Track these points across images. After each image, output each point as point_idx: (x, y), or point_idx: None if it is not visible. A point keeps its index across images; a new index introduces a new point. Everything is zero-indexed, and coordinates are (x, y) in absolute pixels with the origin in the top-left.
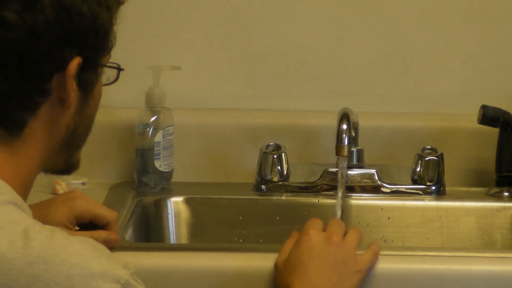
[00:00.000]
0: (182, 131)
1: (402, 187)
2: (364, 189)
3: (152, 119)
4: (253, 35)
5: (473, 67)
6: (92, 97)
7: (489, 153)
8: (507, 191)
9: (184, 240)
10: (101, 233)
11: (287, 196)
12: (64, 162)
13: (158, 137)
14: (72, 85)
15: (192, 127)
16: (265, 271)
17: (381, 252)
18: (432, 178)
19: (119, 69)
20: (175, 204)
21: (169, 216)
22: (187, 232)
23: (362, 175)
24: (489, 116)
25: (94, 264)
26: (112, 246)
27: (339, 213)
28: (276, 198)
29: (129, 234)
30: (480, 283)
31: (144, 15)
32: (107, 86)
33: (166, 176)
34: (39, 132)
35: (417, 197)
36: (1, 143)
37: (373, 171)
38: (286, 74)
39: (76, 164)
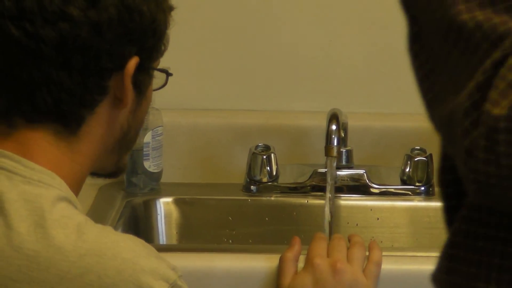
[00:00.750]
0: (171, 132)
1: (391, 188)
2: (353, 190)
3: None
4: (243, 35)
5: None
6: (145, 99)
7: None
8: None
9: (173, 241)
10: None
11: (276, 196)
12: (113, 164)
13: (147, 138)
14: (129, 85)
15: (181, 128)
16: (255, 272)
17: None
18: (421, 179)
19: (168, 73)
20: (165, 205)
21: (159, 217)
22: (177, 232)
23: (351, 175)
24: None
25: (145, 261)
26: None
27: (328, 217)
28: (265, 198)
29: None
30: None
31: None
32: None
33: (155, 177)
34: (95, 130)
35: (406, 197)
36: (60, 138)
37: (362, 171)
38: (275, 75)
39: (124, 167)
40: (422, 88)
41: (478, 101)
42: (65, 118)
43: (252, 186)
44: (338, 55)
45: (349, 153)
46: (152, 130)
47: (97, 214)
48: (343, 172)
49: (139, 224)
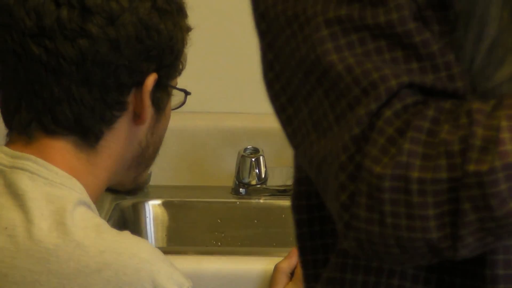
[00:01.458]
0: None
1: None
2: None
3: None
4: (231, 39)
5: None
6: (163, 116)
7: None
8: None
9: (162, 243)
10: None
11: (265, 199)
12: (132, 181)
13: None
14: (148, 101)
15: (170, 130)
16: (244, 274)
17: None
18: None
19: (186, 92)
20: (153, 208)
21: (147, 219)
22: (165, 235)
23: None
24: None
25: (162, 264)
26: None
27: None
28: (254, 201)
29: None
30: None
31: None
32: None
33: None
34: (113, 145)
35: None
36: (79, 150)
37: None
38: (252, 78)
39: (142, 185)
40: (279, 119)
41: (354, 154)
42: (84, 132)
43: (241, 189)
44: None
45: None
46: None
47: None
48: None
49: (127, 227)
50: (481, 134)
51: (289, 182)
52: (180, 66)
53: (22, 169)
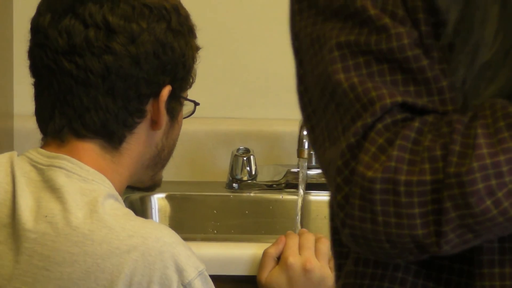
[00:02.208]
0: None
1: None
2: (322, 187)
3: None
4: (224, 53)
5: None
6: (176, 123)
7: None
8: None
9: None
10: None
11: (255, 193)
12: (149, 178)
13: None
14: (163, 109)
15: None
16: (237, 258)
17: None
18: None
19: (195, 103)
20: (158, 200)
21: (153, 210)
22: (169, 224)
23: (320, 174)
24: None
25: (182, 248)
26: None
27: (299, 210)
28: (245, 194)
29: None
30: None
31: None
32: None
33: None
34: (134, 147)
35: None
36: (105, 151)
37: None
38: (253, 87)
39: (159, 182)
40: (306, 127)
41: (349, 160)
42: (109, 136)
43: (234, 184)
44: None
45: None
46: None
47: None
48: (313, 172)
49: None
50: (460, 141)
51: (276, 178)
52: (191, 80)
53: (59, 167)
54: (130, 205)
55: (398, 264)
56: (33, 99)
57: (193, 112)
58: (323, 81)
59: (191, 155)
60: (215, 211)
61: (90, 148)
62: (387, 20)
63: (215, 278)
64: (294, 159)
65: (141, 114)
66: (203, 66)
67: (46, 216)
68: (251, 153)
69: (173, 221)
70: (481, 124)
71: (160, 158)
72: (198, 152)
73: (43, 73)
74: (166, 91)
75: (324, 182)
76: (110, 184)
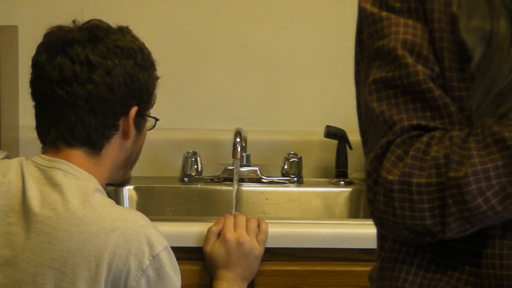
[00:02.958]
0: None
1: (275, 179)
2: (251, 180)
3: None
4: (179, 79)
5: (322, 101)
6: (142, 134)
7: (331, 156)
8: (342, 181)
9: None
10: None
11: (201, 185)
12: (121, 176)
13: None
14: (132, 124)
15: None
16: (187, 234)
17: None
18: (295, 173)
19: (156, 119)
20: (128, 191)
21: (125, 199)
22: (136, 209)
23: (249, 171)
24: (331, 133)
25: (152, 229)
26: None
27: (234, 198)
28: (193, 186)
29: None
30: (326, 239)
31: None
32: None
33: None
34: (110, 153)
35: (285, 185)
36: (89, 156)
37: (256, 168)
38: (200, 105)
39: (128, 179)
40: (361, 139)
41: (376, 166)
42: (92, 145)
43: (185, 178)
44: (242, 91)
45: (248, 156)
46: None
47: None
48: (244, 169)
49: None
50: (458, 152)
51: (217, 173)
52: (152, 102)
53: (58, 168)
54: (107, 194)
55: (426, 244)
56: (34, 117)
57: (154, 125)
58: (364, 107)
59: (153, 157)
60: (171, 199)
61: (78, 154)
62: (409, 60)
63: (174, 249)
64: (230, 160)
65: (115, 127)
66: (163, 90)
67: (49, 204)
68: (197, 155)
69: (139, 207)
70: (474, 140)
71: (130, 160)
72: (158, 154)
73: (41, 98)
74: (133, 110)
75: (253, 177)
76: (96, 181)
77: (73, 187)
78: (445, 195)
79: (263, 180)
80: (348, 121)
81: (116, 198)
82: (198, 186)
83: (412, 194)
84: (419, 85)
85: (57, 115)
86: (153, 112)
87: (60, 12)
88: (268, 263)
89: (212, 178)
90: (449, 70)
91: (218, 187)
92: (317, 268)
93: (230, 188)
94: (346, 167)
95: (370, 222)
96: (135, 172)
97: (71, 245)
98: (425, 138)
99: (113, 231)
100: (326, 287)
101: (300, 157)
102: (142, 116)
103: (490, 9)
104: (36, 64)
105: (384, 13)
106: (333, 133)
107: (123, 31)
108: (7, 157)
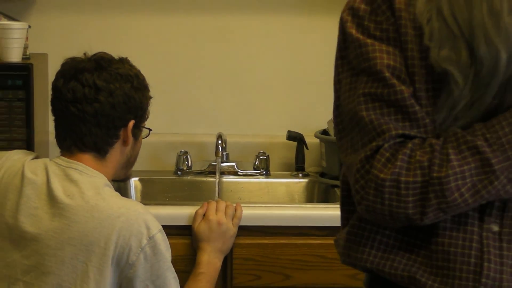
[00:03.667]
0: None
1: (248, 172)
2: (229, 173)
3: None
4: (170, 95)
5: (285, 111)
6: (138, 141)
7: (292, 154)
8: (301, 174)
9: (140, 200)
10: None
11: (190, 177)
12: (123, 174)
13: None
14: (130, 134)
15: (143, 144)
16: (180, 215)
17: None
18: (264, 167)
19: (150, 130)
20: (134, 182)
21: (131, 188)
22: (140, 196)
23: (228, 166)
24: (291, 136)
25: (150, 215)
26: None
27: (216, 187)
28: (185, 178)
29: None
30: (287, 219)
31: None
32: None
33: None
34: (113, 156)
35: (256, 177)
36: (97, 159)
37: (233, 164)
38: (189, 114)
39: (129, 176)
40: (336, 136)
41: (365, 164)
42: (99, 150)
43: (178, 172)
44: (221, 102)
45: (227, 155)
46: None
47: None
48: (224, 164)
49: (121, 193)
50: (438, 156)
51: (203, 168)
52: (146, 116)
53: (74, 168)
54: (118, 185)
55: (388, 228)
56: (54, 129)
57: (148, 135)
58: (352, 113)
59: (153, 155)
60: (167, 188)
61: (88, 157)
62: (395, 81)
63: (167, 227)
64: (213, 157)
65: (116, 137)
66: (161, 103)
67: (69, 195)
68: (188, 153)
69: (143, 194)
70: (451, 146)
71: (129, 162)
72: (157, 153)
73: (59, 114)
74: (131, 123)
75: (231, 170)
76: (105, 178)
77: (87, 183)
78: (427, 190)
79: (239, 173)
80: (305, 127)
81: (125, 187)
82: (188, 178)
83: (400, 189)
84: (403, 101)
85: (71, 127)
86: (153, 121)
87: (78, 43)
88: (243, 237)
89: (199, 171)
90: (418, 91)
91: (204, 179)
92: (281, 241)
93: (213, 179)
94: (304, 163)
95: (322, 205)
96: (139, 167)
97: (86, 227)
98: (409, 145)
99: (119, 217)
100: (288, 255)
101: (268, 155)
102: (138, 127)
103: (454, 41)
104: (55, 88)
105: (368, 40)
106: (293, 136)
107: (123, 61)
108: (37, 157)
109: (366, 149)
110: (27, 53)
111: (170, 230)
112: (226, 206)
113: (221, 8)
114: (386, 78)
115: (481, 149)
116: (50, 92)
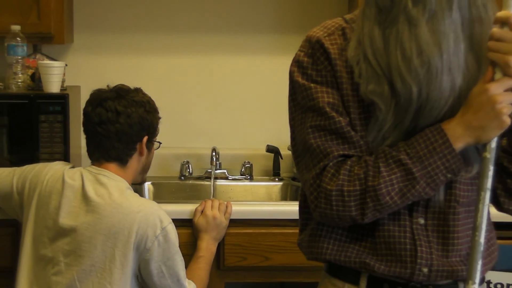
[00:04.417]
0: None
1: (236, 177)
2: (222, 178)
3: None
4: (175, 117)
5: (265, 129)
6: (151, 153)
7: (270, 163)
8: (277, 178)
9: (153, 199)
10: None
11: (192, 181)
12: (140, 179)
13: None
14: (144, 147)
15: (155, 155)
16: (184, 211)
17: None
18: (248, 173)
19: (160, 143)
20: (148, 186)
21: (146, 190)
22: (153, 196)
23: (221, 172)
24: (269, 149)
25: (162, 212)
26: None
27: (212, 189)
28: (187, 182)
29: None
30: (267, 213)
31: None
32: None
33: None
34: (132, 165)
35: (243, 181)
36: (120, 167)
37: (225, 171)
38: (190, 132)
39: (145, 180)
40: (294, 162)
41: (316, 180)
42: (121, 160)
43: (181, 177)
44: (215, 119)
45: (220, 164)
46: None
47: None
48: (218, 171)
49: (138, 194)
50: (372, 169)
51: (201, 174)
52: (157, 133)
53: (103, 175)
54: (135, 188)
55: (340, 228)
56: (86, 145)
57: (159, 147)
58: (304, 141)
59: (162, 164)
60: (173, 189)
61: (113, 166)
62: (334, 114)
63: (174, 220)
64: (209, 166)
65: (134, 149)
66: (168, 123)
67: (99, 195)
68: (189, 163)
69: (155, 194)
70: (381, 161)
71: (144, 169)
72: (165, 163)
73: (88, 133)
74: (145, 139)
75: (224, 176)
76: (127, 182)
77: (113, 186)
78: (365, 196)
79: (229, 178)
80: (281, 142)
81: (141, 189)
82: (190, 182)
83: (344, 197)
84: (342, 129)
85: (98, 143)
86: (162, 136)
87: (103, 78)
88: (233, 227)
89: (198, 177)
90: (354, 119)
91: (202, 182)
92: (262, 231)
93: (209, 183)
94: (279, 170)
95: (293, 202)
96: (151, 173)
97: (113, 220)
98: (349, 162)
99: (138, 212)
100: (268, 242)
101: (251, 164)
102: (150, 141)
103: (378, 79)
104: (85, 113)
105: (312, 84)
106: (271, 149)
107: (137, 90)
108: (73, 166)
109: (316, 168)
110: (64, 86)
111: (176, 223)
112: (220, 204)
113: (212, 50)
114: (327, 112)
115: (404, 161)
116: (82, 116)
